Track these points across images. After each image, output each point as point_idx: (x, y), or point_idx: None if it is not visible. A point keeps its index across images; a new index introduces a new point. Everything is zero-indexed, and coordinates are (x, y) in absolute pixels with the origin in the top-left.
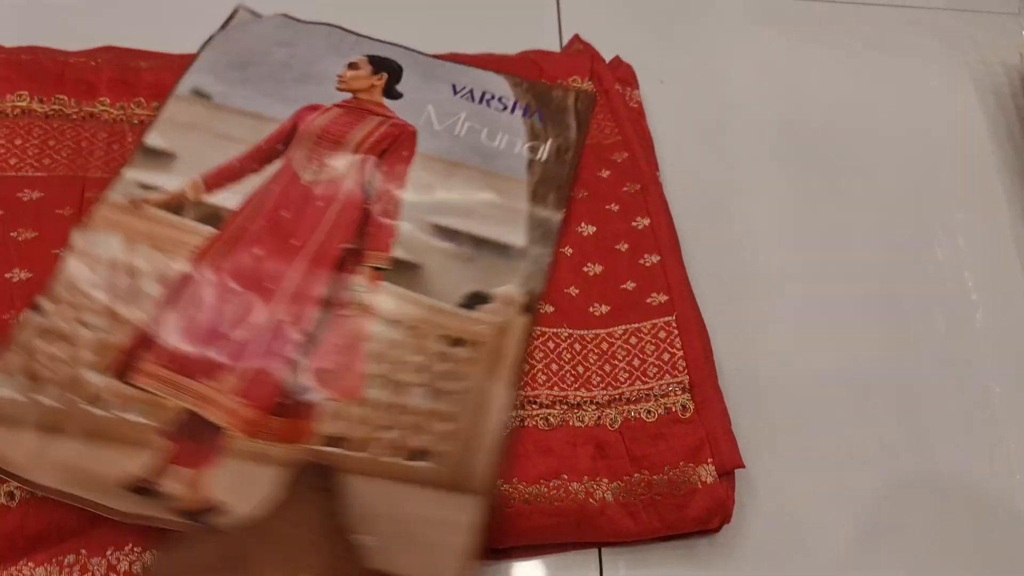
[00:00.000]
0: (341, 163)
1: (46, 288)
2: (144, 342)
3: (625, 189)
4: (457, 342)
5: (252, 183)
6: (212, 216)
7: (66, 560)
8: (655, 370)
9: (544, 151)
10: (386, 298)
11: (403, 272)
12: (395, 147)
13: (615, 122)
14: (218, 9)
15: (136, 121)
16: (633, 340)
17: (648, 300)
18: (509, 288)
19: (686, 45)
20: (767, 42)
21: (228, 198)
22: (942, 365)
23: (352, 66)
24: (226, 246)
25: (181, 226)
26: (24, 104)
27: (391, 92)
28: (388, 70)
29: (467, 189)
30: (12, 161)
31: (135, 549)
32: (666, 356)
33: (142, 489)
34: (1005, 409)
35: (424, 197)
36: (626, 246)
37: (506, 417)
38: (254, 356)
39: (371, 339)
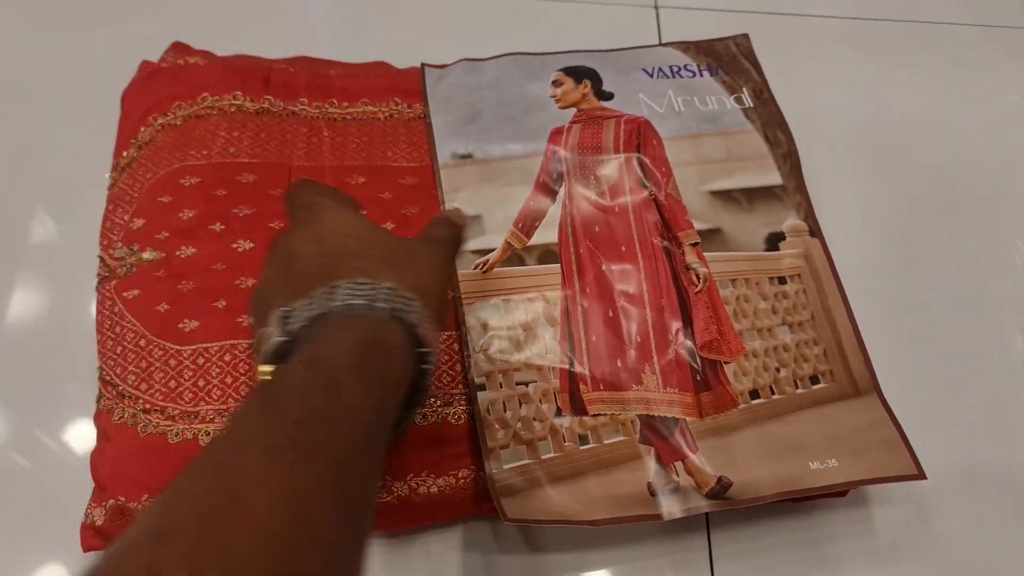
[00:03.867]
0: (612, 169)
1: (471, 366)
2: (572, 378)
3: None
4: (782, 280)
5: (554, 215)
6: (547, 254)
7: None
8: None
9: (746, 98)
10: (715, 264)
11: (710, 239)
12: (644, 139)
13: None
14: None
15: (329, 118)
16: None
17: None
18: (792, 220)
19: (777, 62)
20: (853, 60)
21: (545, 234)
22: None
23: (556, 84)
24: (577, 273)
25: (532, 272)
26: (239, 103)
27: (601, 94)
28: (587, 76)
29: (718, 153)
30: (231, 150)
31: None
32: None
33: (663, 491)
34: None
35: (690, 172)
36: None
37: (853, 321)
38: (657, 352)
39: (726, 302)
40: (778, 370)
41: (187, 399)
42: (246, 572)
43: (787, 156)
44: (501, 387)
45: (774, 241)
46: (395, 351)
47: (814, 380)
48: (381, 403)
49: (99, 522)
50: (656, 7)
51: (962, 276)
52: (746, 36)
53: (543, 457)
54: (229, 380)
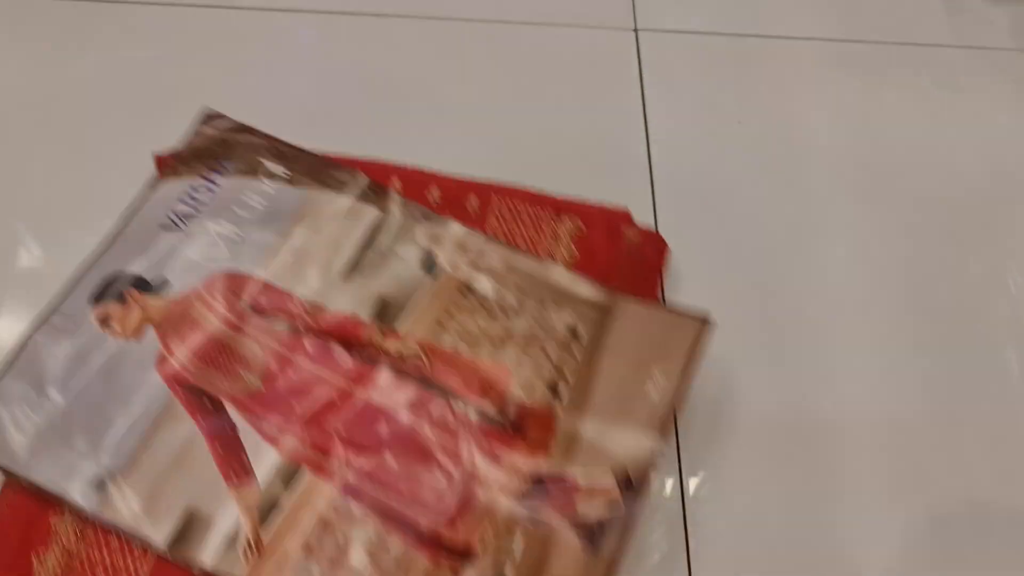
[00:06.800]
0: (248, 349)
1: None
2: (426, 538)
3: None
4: (470, 288)
5: (251, 437)
6: (289, 473)
7: None
8: None
9: (271, 165)
10: (405, 328)
11: (387, 310)
12: (238, 291)
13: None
14: None
15: None
16: None
17: None
18: (420, 237)
19: (762, 88)
20: (840, 84)
21: (265, 459)
22: (1020, 397)
23: (103, 322)
24: (326, 458)
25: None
26: None
27: (154, 288)
28: (125, 285)
29: (308, 241)
30: None
31: None
32: None
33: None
34: None
35: (312, 278)
36: None
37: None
38: (463, 446)
39: (455, 347)
40: (547, 354)
41: None
42: None
43: (347, 180)
44: None
45: (429, 261)
46: None
47: (575, 333)
48: None
49: None
50: (636, 30)
51: (957, 303)
52: (204, 112)
53: None
54: None
